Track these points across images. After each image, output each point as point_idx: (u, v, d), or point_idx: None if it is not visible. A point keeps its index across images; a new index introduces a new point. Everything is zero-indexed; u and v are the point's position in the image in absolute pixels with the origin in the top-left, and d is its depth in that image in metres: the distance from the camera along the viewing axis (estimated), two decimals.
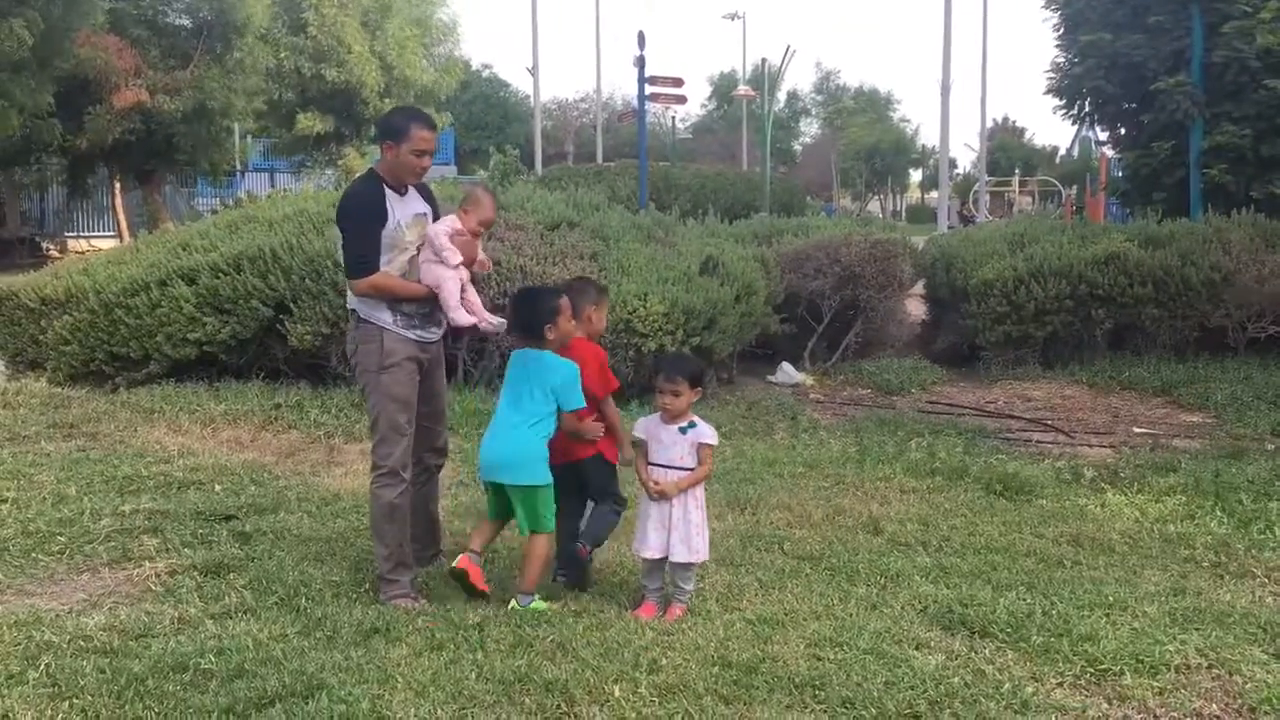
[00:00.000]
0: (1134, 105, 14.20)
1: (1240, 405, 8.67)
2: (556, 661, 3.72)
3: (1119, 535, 5.39)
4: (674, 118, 57.33)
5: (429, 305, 4.54)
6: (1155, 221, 11.65)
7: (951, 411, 9.02)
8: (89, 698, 3.46)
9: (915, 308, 12.85)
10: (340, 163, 30.85)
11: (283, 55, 27.98)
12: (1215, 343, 10.43)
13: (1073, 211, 25.25)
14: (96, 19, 19.90)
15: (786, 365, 10.42)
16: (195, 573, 4.72)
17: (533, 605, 4.32)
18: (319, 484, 6.26)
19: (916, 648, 3.89)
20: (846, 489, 6.28)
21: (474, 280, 4.75)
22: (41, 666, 3.69)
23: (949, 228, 26.19)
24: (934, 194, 56.33)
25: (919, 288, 12.64)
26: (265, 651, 3.80)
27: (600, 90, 50.19)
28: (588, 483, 4.72)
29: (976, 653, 3.86)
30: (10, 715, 3.36)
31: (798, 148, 70.46)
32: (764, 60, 43.64)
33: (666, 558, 4.29)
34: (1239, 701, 3.55)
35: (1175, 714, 3.48)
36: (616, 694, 3.47)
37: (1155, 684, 3.63)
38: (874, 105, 69.65)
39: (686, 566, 4.30)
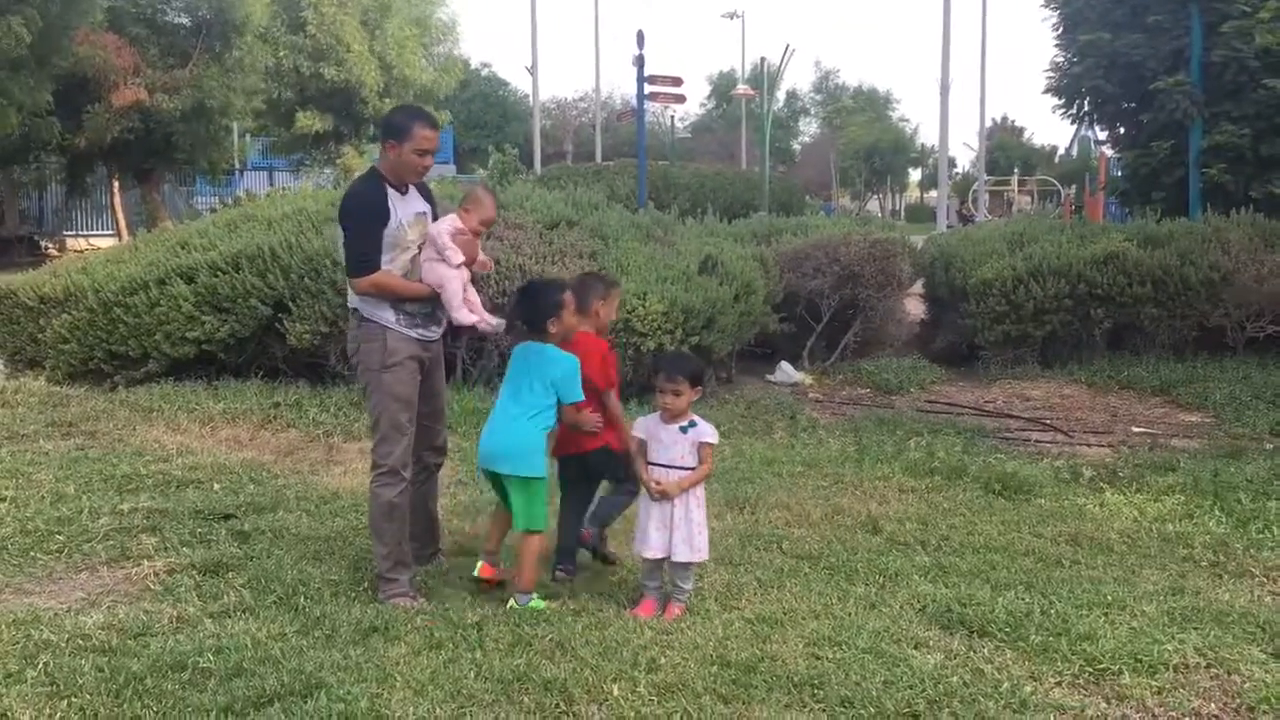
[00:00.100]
0: (1133, 105, 14.21)
1: (1239, 405, 8.67)
2: (555, 660, 3.72)
3: (1117, 535, 5.39)
4: (673, 117, 57.28)
5: (431, 304, 4.54)
6: (1154, 221, 11.65)
7: (950, 411, 9.02)
8: (87, 696, 3.45)
9: (914, 307, 12.84)
10: (339, 161, 30.84)
11: (281, 54, 27.97)
12: (1214, 342, 10.44)
13: (1072, 211, 25.27)
14: (95, 17, 19.88)
15: (785, 364, 10.42)
16: (194, 571, 4.72)
17: (531, 604, 4.32)
18: (318, 483, 6.26)
19: (915, 647, 3.89)
20: (845, 488, 6.28)
21: (474, 280, 4.75)
22: (40, 665, 3.69)
23: (948, 227, 26.20)
24: (933, 193, 56.37)
25: (918, 287, 12.64)
26: (264, 650, 3.80)
27: (599, 89, 50.20)
28: (596, 474, 4.75)
29: (975, 652, 3.86)
30: (9, 714, 3.36)
31: (797, 147, 70.45)
32: (763, 59, 43.64)
33: (667, 557, 4.29)
34: (1237, 701, 3.56)
35: (1174, 713, 3.48)
36: (615, 693, 3.47)
37: (1154, 683, 3.64)
38: (873, 104, 69.65)
39: (686, 566, 4.30)
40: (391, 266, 4.44)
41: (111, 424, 7.61)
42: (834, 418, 8.70)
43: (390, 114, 4.66)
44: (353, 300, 4.53)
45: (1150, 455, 7.20)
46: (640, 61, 17.12)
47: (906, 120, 77.92)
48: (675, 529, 4.25)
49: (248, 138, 33.91)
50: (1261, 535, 5.37)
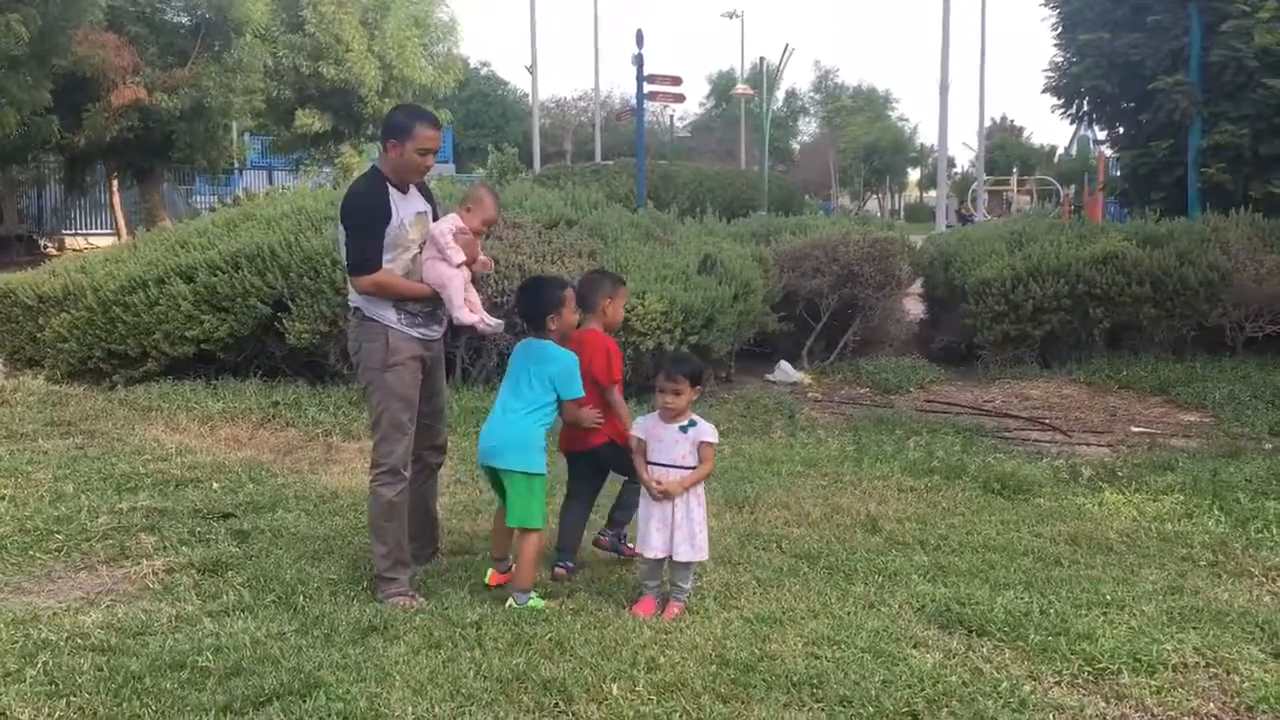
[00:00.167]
0: (1132, 104, 14.22)
1: (1238, 404, 8.68)
2: (554, 659, 3.72)
3: (1116, 534, 5.40)
4: (672, 116, 57.45)
5: (432, 303, 4.54)
6: (1153, 221, 11.66)
7: (949, 410, 9.02)
8: (86, 695, 3.45)
9: (913, 306, 12.85)
10: (337, 161, 30.81)
11: (281, 53, 27.94)
12: (1213, 342, 10.45)
13: (1071, 211, 25.26)
14: (95, 16, 19.84)
15: (785, 364, 10.42)
16: (193, 570, 4.72)
17: (530, 603, 4.32)
18: (317, 482, 6.26)
19: (914, 646, 3.89)
20: (844, 488, 6.28)
21: (474, 279, 4.75)
22: (39, 664, 3.69)
23: (947, 226, 26.20)
24: (932, 193, 56.39)
25: (917, 286, 12.63)
26: (263, 649, 3.80)
27: (598, 88, 50.15)
28: (605, 469, 4.76)
29: (974, 651, 3.87)
30: (8, 713, 3.36)
31: (796, 146, 70.48)
32: (762, 59, 43.67)
33: (667, 557, 4.29)
34: (1236, 700, 3.56)
35: (1173, 713, 3.48)
36: (614, 692, 3.47)
37: (1153, 683, 3.64)
38: (872, 104, 69.67)
39: (687, 565, 4.30)
40: (393, 266, 4.43)
41: (110, 423, 7.61)
42: (833, 417, 8.70)
43: (392, 113, 4.64)
44: (354, 299, 4.52)
45: (1149, 455, 7.20)
46: (639, 61, 17.12)
47: (906, 120, 78.01)
48: (677, 528, 4.25)
49: (246, 137, 33.89)
50: (1260, 535, 5.37)
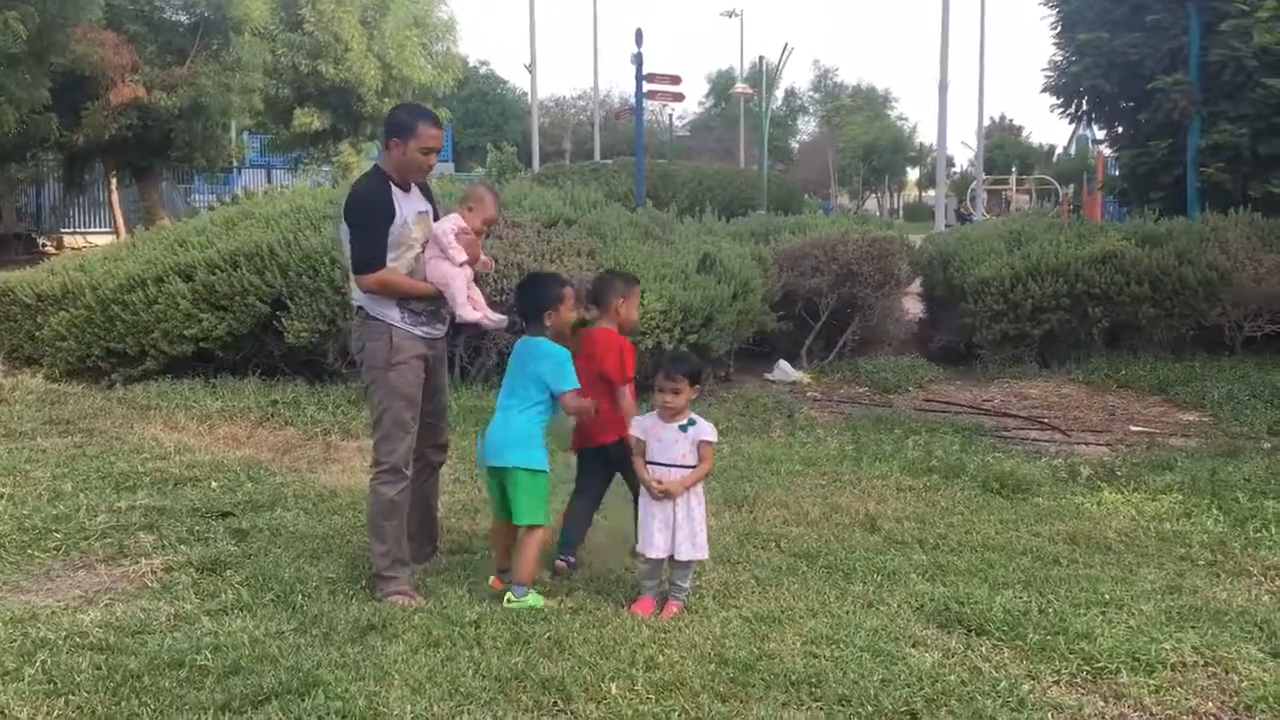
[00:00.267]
0: (1131, 104, 14.23)
1: (1236, 404, 8.68)
2: (553, 658, 3.72)
3: (1115, 533, 5.40)
4: (671, 115, 57.42)
5: (435, 302, 4.55)
6: (1152, 220, 11.66)
7: (948, 410, 9.02)
8: (85, 694, 3.45)
9: (912, 306, 12.85)
10: (336, 159, 30.80)
11: (279, 51, 27.92)
12: (1212, 341, 10.45)
13: (1070, 210, 25.28)
14: (93, 14, 19.82)
15: (784, 363, 10.42)
16: (191, 569, 4.72)
17: (528, 599, 4.32)
18: (315, 481, 6.25)
19: (913, 645, 3.89)
20: (843, 487, 6.28)
21: (475, 278, 4.76)
22: (38, 663, 3.68)
23: (946, 226, 26.20)
24: (931, 192, 56.40)
25: (916, 286, 12.64)
26: (261, 648, 3.80)
27: (598, 87, 50.14)
28: (616, 466, 4.77)
29: (973, 650, 3.87)
30: (6, 711, 3.35)
31: (795, 145, 70.50)
32: (762, 58, 43.68)
33: (668, 556, 4.29)
34: (1235, 700, 3.56)
35: (1171, 712, 3.48)
36: (613, 691, 3.47)
37: (1151, 682, 3.64)
38: (871, 103, 69.68)
39: (687, 564, 4.30)
40: (396, 264, 4.43)
41: (109, 422, 7.61)
42: (832, 416, 8.70)
43: (395, 112, 4.63)
44: (357, 298, 4.51)
45: (1148, 454, 7.20)
46: (639, 60, 17.11)
47: (905, 119, 78.10)
48: (678, 528, 4.25)
49: (245, 135, 33.85)
50: (1259, 534, 5.37)
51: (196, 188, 32.35)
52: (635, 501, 4.62)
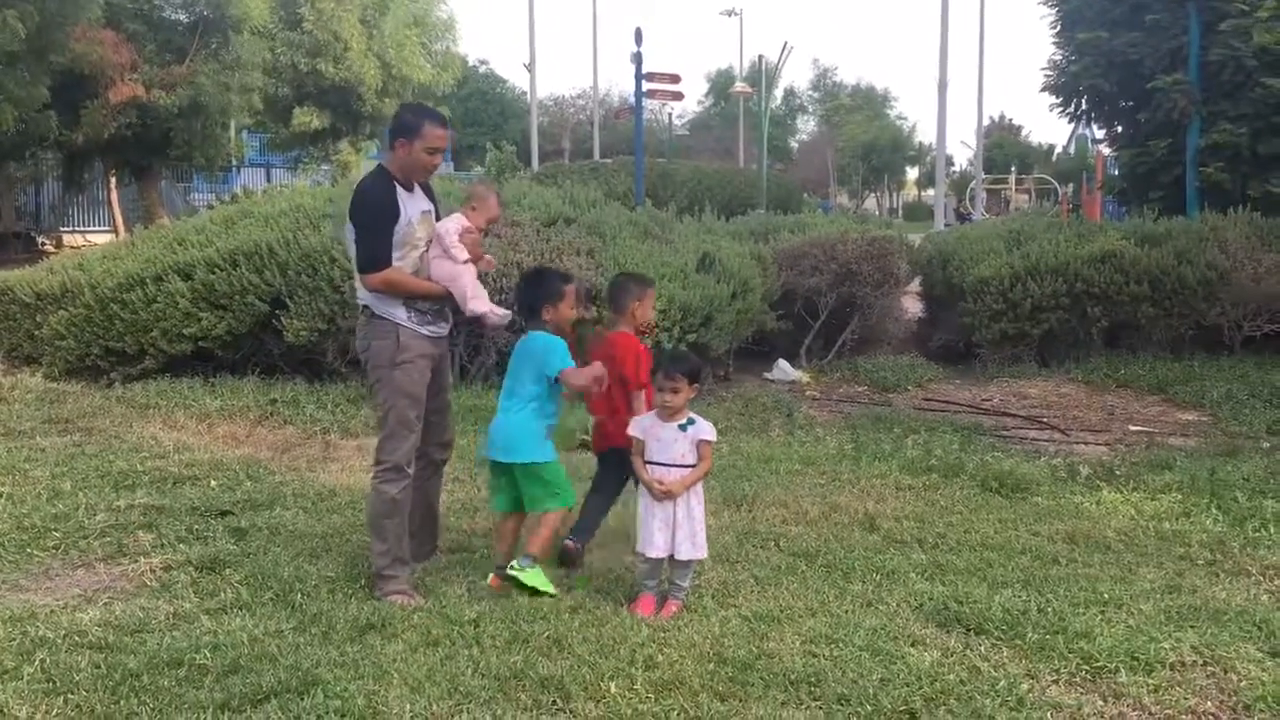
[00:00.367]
0: (1131, 103, 14.23)
1: (1236, 403, 8.68)
2: (552, 657, 3.72)
3: (1114, 533, 5.40)
4: (671, 114, 57.38)
5: (441, 301, 4.57)
6: (1151, 220, 11.67)
7: (947, 409, 9.03)
8: (84, 693, 3.45)
9: (912, 305, 12.86)
10: (335, 158, 30.79)
11: (279, 50, 27.91)
12: (1211, 341, 10.46)
13: (1069, 209, 25.27)
14: (93, 13, 19.79)
15: (783, 362, 10.42)
16: (190, 568, 4.72)
17: (529, 571, 4.35)
18: (315, 479, 6.25)
19: (912, 645, 3.89)
20: (842, 486, 6.28)
21: (478, 277, 4.78)
22: (36, 662, 3.68)
23: (946, 225, 26.20)
24: (930, 191, 56.36)
25: (915, 285, 12.65)
26: (260, 647, 3.80)
27: (597, 87, 50.06)
28: (627, 468, 4.78)
29: (972, 650, 3.87)
30: (5, 710, 3.35)
31: (795, 145, 70.48)
32: (761, 57, 43.63)
33: (668, 556, 4.29)
34: (1234, 699, 3.56)
35: (1170, 711, 3.48)
36: (612, 690, 3.47)
37: (1150, 681, 3.64)
38: (871, 102, 69.68)
39: (687, 563, 4.30)
40: (401, 263, 4.45)
41: (108, 420, 7.60)
42: (831, 415, 8.70)
43: (400, 112, 4.63)
44: (363, 297, 4.52)
45: (1147, 454, 7.21)
46: (638, 59, 17.11)
47: (904, 118, 78.07)
48: (678, 527, 4.25)
49: (244, 134, 33.84)
50: (1258, 534, 5.37)
51: (196, 186, 32.34)
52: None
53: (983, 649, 3.88)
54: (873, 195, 68.41)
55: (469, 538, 5.22)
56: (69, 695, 3.44)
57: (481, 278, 4.73)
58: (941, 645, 3.90)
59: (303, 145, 31.41)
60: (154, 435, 7.18)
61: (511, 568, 4.40)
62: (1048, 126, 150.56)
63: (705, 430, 4.35)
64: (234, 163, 31.70)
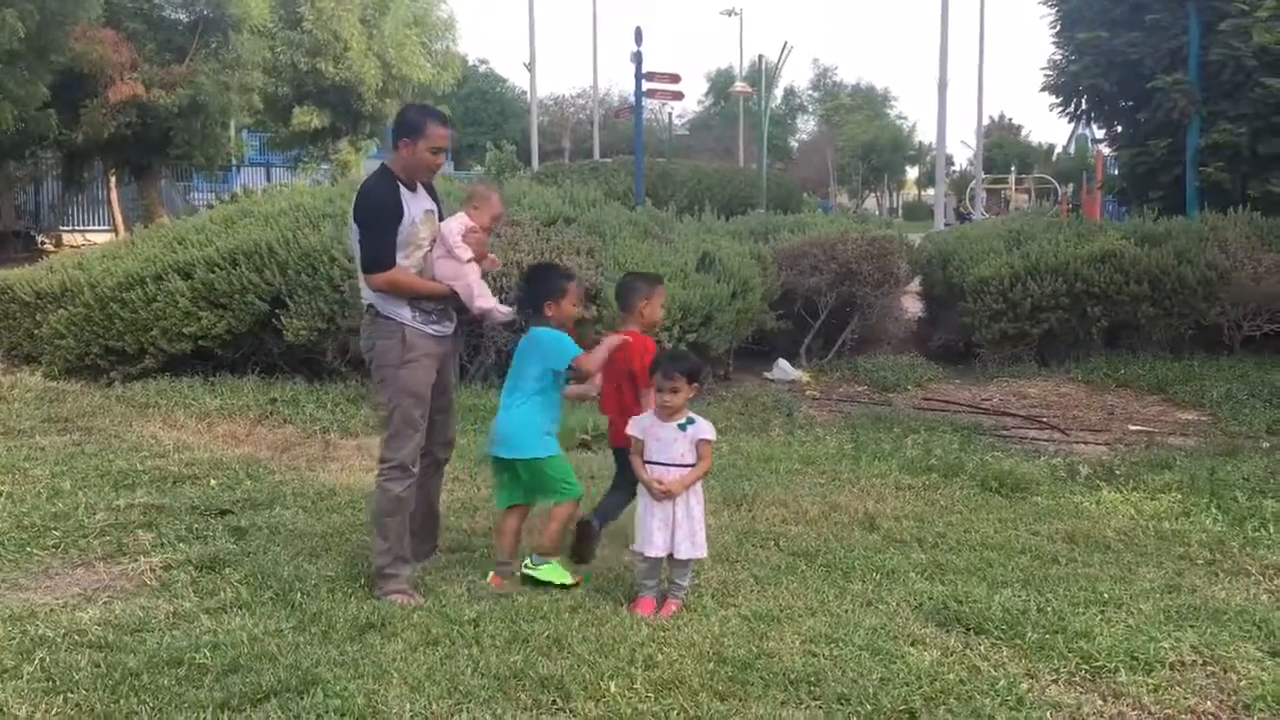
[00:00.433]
0: (1131, 103, 14.23)
1: (1235, 403, 8.68)
2: (552, 657, 3.72)
3: (1114, 532, 5.40)
4: (671, 114, 57.39)
5: (445, 300, 4.58)
6: (1151, 219, 11.67)
7: (947, 408, 9.03)
8: (84, 692, 3.45)
9: (911, 305, 12.85)
10: (335, 157, 30.78)
11: (278, 50, 27.90)
12: (1211, 341, 10.46)
13: (1069, 209, 25.27)
14: (93, 12, 19.78)
15: (783, 362, 10.42)
16: (190, 567, 4.72)
17: (543, 568, 4.43)
18: (314, 479, 6.25)
19: (912, 644, 3.89)
20: (842, 485, 6.28)
21: (482, 276, 4.79)
22: (36, 661, 3.68)
23: (945, 225, 26.20)
24: (930, 191, 56.36)
25: (915, 285, 12.64)
26: (260, 646, 3.80)
27: (597, 86, 50.07)
28: None
29: (971, 649, 3.87)
30: (5, 709, 3.35)
31: (795, 144, 70.48)
32: (761, 57, 43.62)
33: (667, 555, 4.29)
34: (1234, 699, 3.56)
35: (1170, 711, 3.48)
36: (612, 689, 3.47)
37: (1150, 681, 3.64)
38: (871, 102, 69.69)
39: (686, 563, 4.30)
40: (405, 263, 4.46)
41: (108, 420, 7.60)
42: (831, 415, 8.70)
43: (404, 113, 4.63)
44: (367, 297, 4.52)
45: (1147, 453, 7.21)
46: (638, 58, 17.12)
47: (904, 118, 78.06)
48: (678, 526, 4.25)
49: (244, 134, 33.83)
50: (1258, 533, 5.37)
51: (195, 186, 32.31)
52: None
53: (982, 648, 3.88)
54: (873, 195, 68.42)
55: (469, 537, 5.23)
56: (69, 694, 3.44)
57: (485, 277, 4.75)
58: (941, 645, 3.90)
59: (302, 145, 31.39)
60: (154, 434, 7.18)
61: (526, 567, 4.46)
62: (1048, 126, 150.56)
63: (705, 430, 4.35)
64: (234, 162, 31.67)
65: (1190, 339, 10.46)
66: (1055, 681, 3.65)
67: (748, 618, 4.12)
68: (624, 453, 4.89)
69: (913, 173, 72.34)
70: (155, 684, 3.50)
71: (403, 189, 4.47)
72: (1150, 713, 3.48)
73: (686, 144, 57.40)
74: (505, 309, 4.76)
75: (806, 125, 74.03)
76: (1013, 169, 50.73)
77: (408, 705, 3.36)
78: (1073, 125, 17.49)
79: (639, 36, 17.09)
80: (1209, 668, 3.76)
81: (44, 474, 6.15)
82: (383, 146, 32.74)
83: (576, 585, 4.47)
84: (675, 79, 18.44)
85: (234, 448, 6.97)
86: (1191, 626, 4.08)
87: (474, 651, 3.76)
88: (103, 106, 21.26)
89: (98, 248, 11.52)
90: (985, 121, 45.57)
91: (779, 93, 64.32)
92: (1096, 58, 13.69)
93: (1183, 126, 13.04)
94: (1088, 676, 3.68)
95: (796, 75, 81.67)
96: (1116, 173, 17.72)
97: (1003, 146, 58.43)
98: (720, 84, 65.65)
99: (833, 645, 3.83)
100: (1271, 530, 5.40)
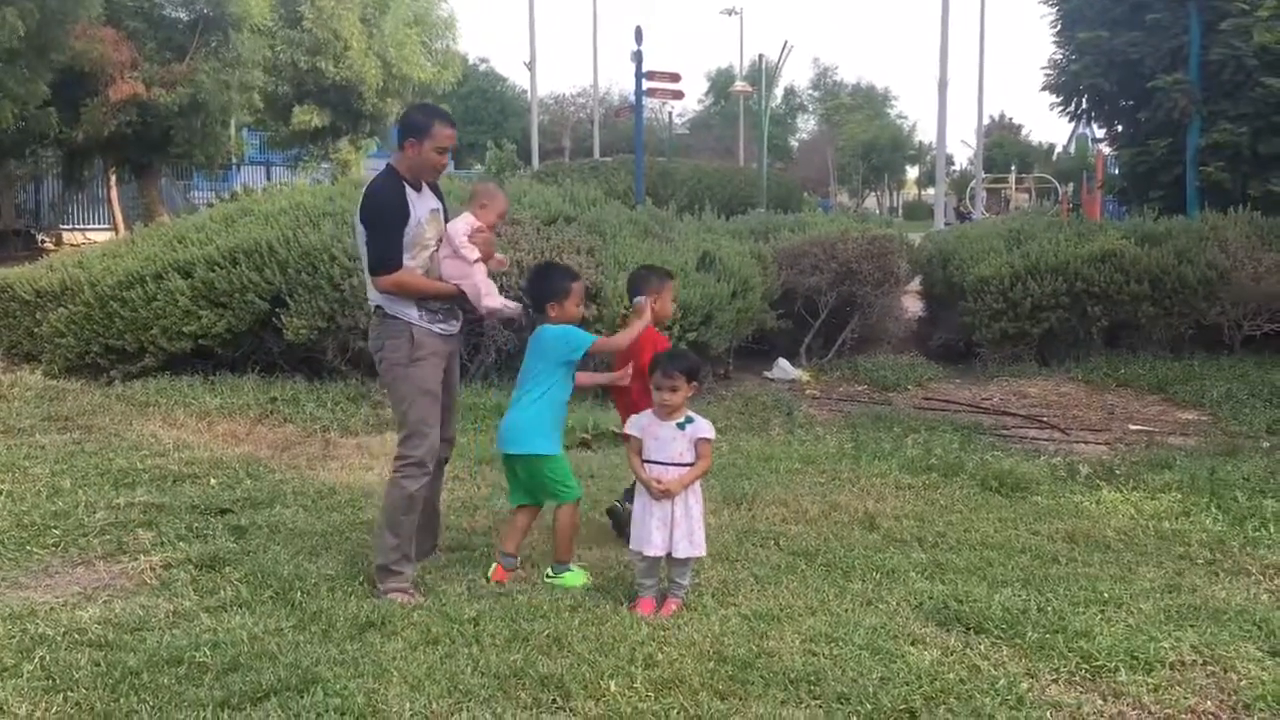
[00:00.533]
0: (1131, 103, 14.23)
1: (1235, 403, 8.68)
2: (552, 656, 3.72)
3: (1114, 532, 5.40)
4: (671, 113, 57.35)
5: (451, 300, 4.59)
6: (1152, 219, 11.66)
7: (947, 408, 9.02)
8: (83, 691, 3.45)
9: (912, 304, 12.85)
10: (335, 156, 30.77)
11: (279, 48, 27.89)
12: (1211, 340, 10.45)
13: (1069, 209, 25.27)
14: (93, 10, 19.77)
15: (783, 361, 10.41)
16: (190, 566, 4.71)
17: (565, 576, 4.48)
18: (314, 478, 6.25)
19: (912, 643, 3.89)
20: (842, 485, 6.28)
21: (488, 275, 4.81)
22: (36, 659, 3.68)
23: (946, 224, 26.19)
24: (931, 190, 56.34)
25: (915, 284, 12.64)
26: (260, 645, 3.80)
27: (597, 85, 50.08)
28: None
29: (971, 649, 3.86)
30: (5, 707, 3.35)
31: (795, 144, 70.48)
32: (761, 56, 43.60)
33: (665, 554, 4.28)
34: (1234, 698, 3.56)
35: (1170, 711, 3.48)
36: (612, 688, 3.47)
37: (1150, 681, 3.64)
38: (871, 101, 69.70)
39: (685, 561, 4.30)
40: (412, 264, 4.47)
41: (108, 418, 7.60)
42: (831, 414, 8.70)
43: (409, 112, 4.66)
44: (374, 298, 4.54)
45: (1147, 453, 7.20)
46: (638, 57, 17.11)
47: (904, 117, 78.08)
48: (676, 525, 4.25)
49: (244, 132, 33.82)
50: (1258, 533, 5.37)
51: (196, 184, 32.31)
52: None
53: (982, 648, 3.88)
54: (873, 194, 68.42)
55: (469, 536, 5.22)
56: (69, 693, 3.44)
57: (491, 276, 4.76)
58: (941, 644, 3.90)
59: (303, 143, 31.38)
60: (154, 433, 7.18)
61: (547, 577, 4.54)
62: (1048, 126, 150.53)
63: (703, 429, 4.34)
64: (234, 161, 31.65)
65: (1190, 339, 10.46)
66: (1055, 681, 3.65)
67: (748, 617, 4.12)
68: None
69: (913, 172, 72.35)
70: (155, 682, 3.50)
71: (408, 189, 4.48)
72: (1150, 712, 3.48)
73: (687, 143, 57.38)
74: (513, 304, 4.79)
75: (807, 124, 74.12)
76: (1013, 168, 50.72)
77: (408, 704, 3.36)
78: (1073, 125, 17.49)
79: (639, 35, 17.09)
80: (1209, 667, 3.76)
81: (44, 472, 6.15)
82: (383, 146, 32.74)
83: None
84: (675, 78, 18.44)
85: (234, 446, 6.97)
86: (1192, 626, 4.08)
87: (474, 650, 3.76)
88: (103, 105, 21.26)
89: (98, 246, 11.52)
90: (985, 121, 45.60)
91: (779, 92, 64.36)
92: (1097, 57, 13.69)
93: (1183, 126, 13.03)
94: (1088, 676, 3.68)
95: (797, 74, 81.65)
96: (1117, 172, 17.72)
97: (1003, 146, 58.43)
98: (720, 83, 65.64)
99: (833, 644, 3.83)
100: (1272, 530, 5.40)
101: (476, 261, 4.57)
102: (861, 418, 8.36)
